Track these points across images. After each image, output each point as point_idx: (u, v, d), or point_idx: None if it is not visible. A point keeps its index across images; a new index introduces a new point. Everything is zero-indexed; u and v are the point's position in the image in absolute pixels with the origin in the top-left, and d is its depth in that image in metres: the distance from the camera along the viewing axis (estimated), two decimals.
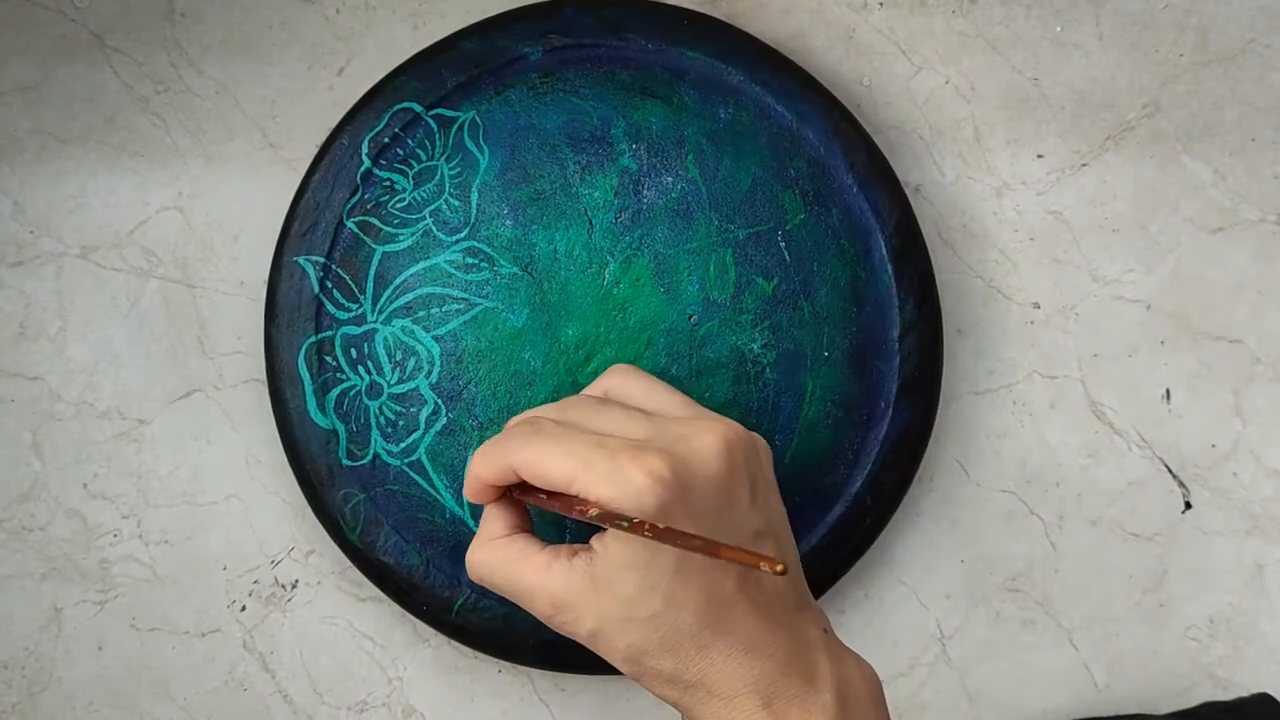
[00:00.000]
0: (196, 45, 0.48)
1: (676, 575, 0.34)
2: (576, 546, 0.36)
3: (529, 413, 0.38)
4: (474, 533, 0.45)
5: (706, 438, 0.35)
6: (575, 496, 0.34)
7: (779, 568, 0.28)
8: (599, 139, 0.46)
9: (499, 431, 0.45)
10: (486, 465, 0.37)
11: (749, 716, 0.34)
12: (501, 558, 0.37)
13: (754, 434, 0.38)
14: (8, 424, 0.47)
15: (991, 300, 0.50)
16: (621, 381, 0.40)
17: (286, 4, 0.49)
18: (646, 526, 0.32)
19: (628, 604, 0.34)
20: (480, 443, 0.45)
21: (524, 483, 0.37)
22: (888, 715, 0.37)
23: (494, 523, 0.38)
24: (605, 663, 0.46)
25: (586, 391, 0.41)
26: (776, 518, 0.38)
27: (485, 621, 0.45)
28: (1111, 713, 0.50)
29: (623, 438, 0.35)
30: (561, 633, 0.37)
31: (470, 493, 0.38)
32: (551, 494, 0.36)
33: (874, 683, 0.37)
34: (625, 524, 0.32)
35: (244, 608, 0.48)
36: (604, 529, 0.35)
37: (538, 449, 0.35)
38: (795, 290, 0.47)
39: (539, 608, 0.36)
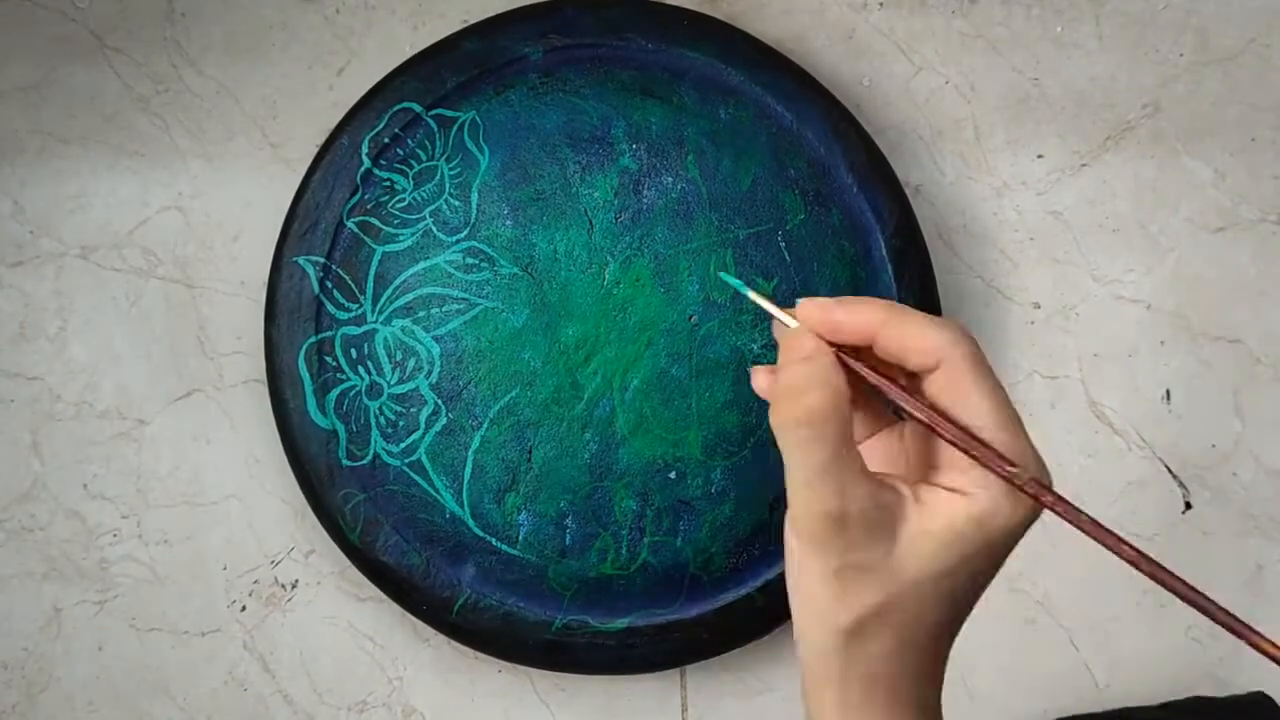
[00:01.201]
0: (196, 45, 0.48)
1: (977, 584, 0.33)
2: (872, 471, 0.31)
3: (961, 330, 0.32)
4: (474, 533, 0.45)
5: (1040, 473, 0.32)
6: (974, 435, 0.30)
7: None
8: (599, 139, 0.46)
9: (499, 431, 0.45)
10: (909, 333, 0.31)
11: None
12: (843, 431, 0.30)
13: None
14: (8, 424, 0.47)
15: (991, 300, 0.50)
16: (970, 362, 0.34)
17: (286, 4, 0.49)
18: (1051, 495, 0.30)
19: (924, 567, 0.31)
20: (481, 443, 0.45)
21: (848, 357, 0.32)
22: None
23: (845, 383, 0.31)
24: (605, 663, 0.46)
25: None
26: None
27: (485, 621, 0.45)
28: None
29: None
30: (808, 539, 0.30)
31: (831, 318, 0.31)
32: (896, 385, 0.31)
33: None
34: (1086, 517, 0.30)
35: (244, 608, 0.47)
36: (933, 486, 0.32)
37: (984, 382, 0.31)
38: (795, 290, 0.47)
39: (826, 502, 0.30)
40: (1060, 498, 0.30)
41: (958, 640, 0.50)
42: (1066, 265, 0.50)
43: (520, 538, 0.45)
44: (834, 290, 0.47)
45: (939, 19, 0.50)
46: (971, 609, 0.33)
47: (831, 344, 0.31)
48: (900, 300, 0.47)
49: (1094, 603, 0.50)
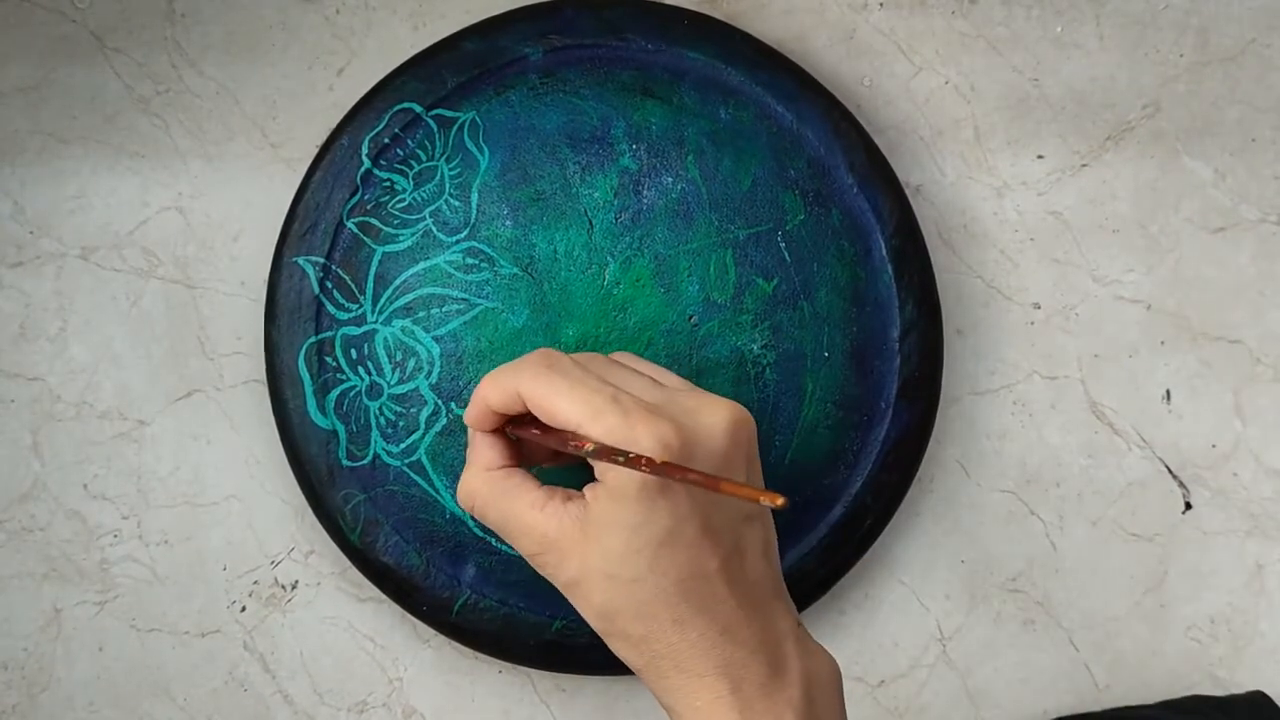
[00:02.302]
0: (196, 45, 0.48)
1: (664, 544, 0.34)
2: (571, 491, 0.36)
3: (545, 349, 0.37)
4: (474, 533, 0.45)
5: (716, 414, 0.35)
6: (572, 434, 0.34)
7: (779, 501, 0.28)
8: (599, 139, 0.46)
9: None
10: (496, 390, 0.36)
11: (714, 698, 0.35)
12: (497, 490, 0.37)
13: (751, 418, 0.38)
14: (8, 424, 0.47)
15: (991, 300, 0.50)
16: (627, 359, 0.40)
17: (286, 4, 0.49)
18: (644, 461, 0.32)
19: (613, 560, 0.34)
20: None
21: (520, 416, 0.37)
22: (844, 709, 0.37)
23: (489, 452, 0.37)
24: (605, 663, 0.46)
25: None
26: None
27: (485, 621, 0.45)
28: None
29: (635, 398, 0.35)
30: (542, 574, 0.36)
31: (471, 417, 0.37)
32: (546, 429, 0.36)
33: (837, 678, 0.37)
34: (622, 458, 0.32)
35: (244, 608, 0.48)
36: (593, 481, 0.35)
37: (552, 384, 0.35)
38: (795, 290, 0.47)
39: (525, 545, 0.36)
40: (612, 452, 0.33)
41: (958, 640, 0.50)
42: (1066, 265, 0.50)
43: None
44: (833, 290, 0.47)
45: (939, 19, 0.50)
46: (729, 554, 0.35)
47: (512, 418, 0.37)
48: (900, 300, 0.47)
49: (1094, 603, 0.50)
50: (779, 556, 0.38)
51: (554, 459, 0.40)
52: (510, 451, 0.38)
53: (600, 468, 0.34)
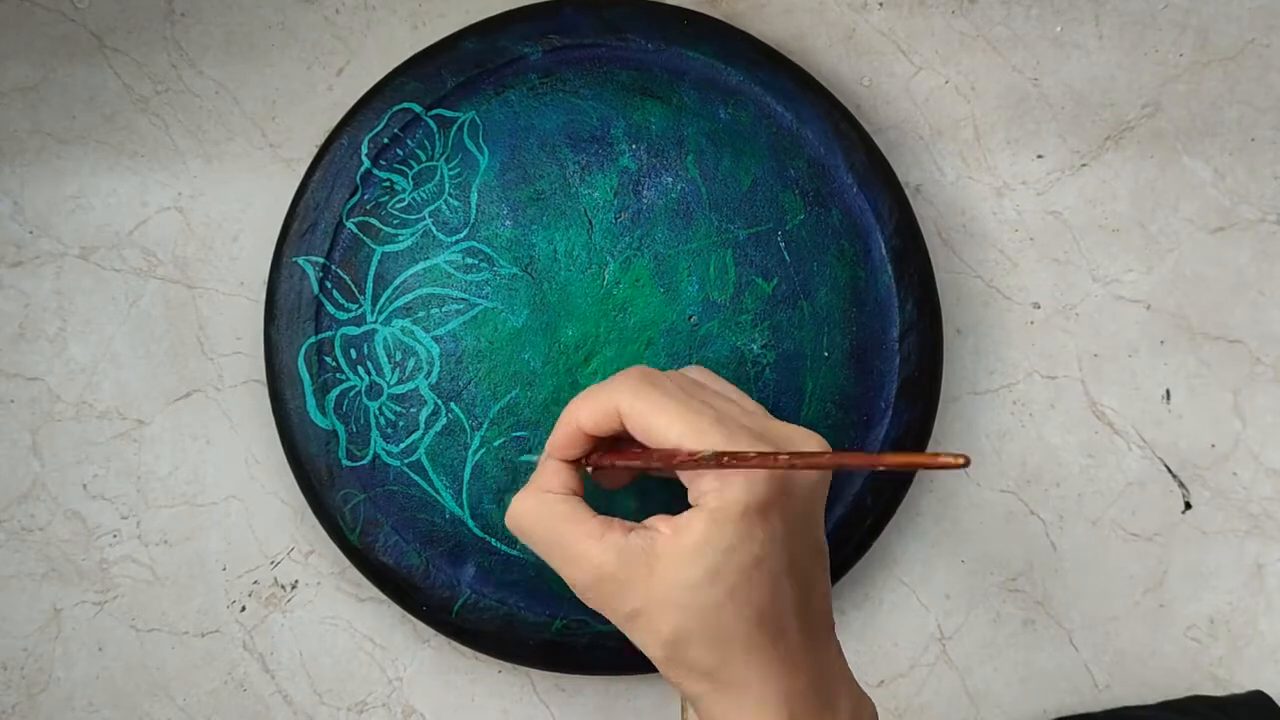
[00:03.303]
0: (196, 45, 0.48)
1: (751, 571, 0.33)
2: (631, 524, 0.35)
3: (641, 367, 0.37)
4: (474, 533, 0.45)
5: (809, 442, 0.35)
6: (677, 449, 0.34)
7: (963, 460, 0.27)
8: (599, 139, 0.46)
9: (498, 431, 0.45)
10: (592, 409, 0.35)
11: None
12: (554, 513, 0.36)
13: None
14: (8, 424, 0.47)
15: (991, 300, 0.50)
16: (704, 378, 0.39)
17: (286, 4, 0.49)
18: (780, 456, 0.31)
19: (688, 588, 0.33)
20: (481, 443, 0.45)
21: (604, 444, 0.37)
22: None
23: (552, 477, 0.37)
24: (605, 663, 0.46)
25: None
26: (825, 542, 0.38)
27: (485, 621, 0.45)
28: None
29: (736, 420, 0.35)
30: (593, 606, 0.36)
31: (559, 440, 0.36)
32: (642, 450, 0.35)
33: (874, 714, 0.37)
34: (753, 454, 0.31)
35: (244, 608, 0.47)
36: (664, 513, 0.35)
37: (654, 401, 0.34)
38: (795, 290, 0.47)
39: (577, 574, 0.35)
40: (736, 454, 0.32)
41: (958, 640, 0.50)
42: (1066, 265, 0.50)
43: None
44: (833, 290, 0.47)
45: (939, 19, 0.50)
46: (800, 587, 0.35)
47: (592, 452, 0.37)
48: (900, 300, 0.47)
49: (1094, 603, 0.50)
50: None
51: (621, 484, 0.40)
52: (575, 483, 0.37)
53: (699, 493, 0.34)
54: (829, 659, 0.36)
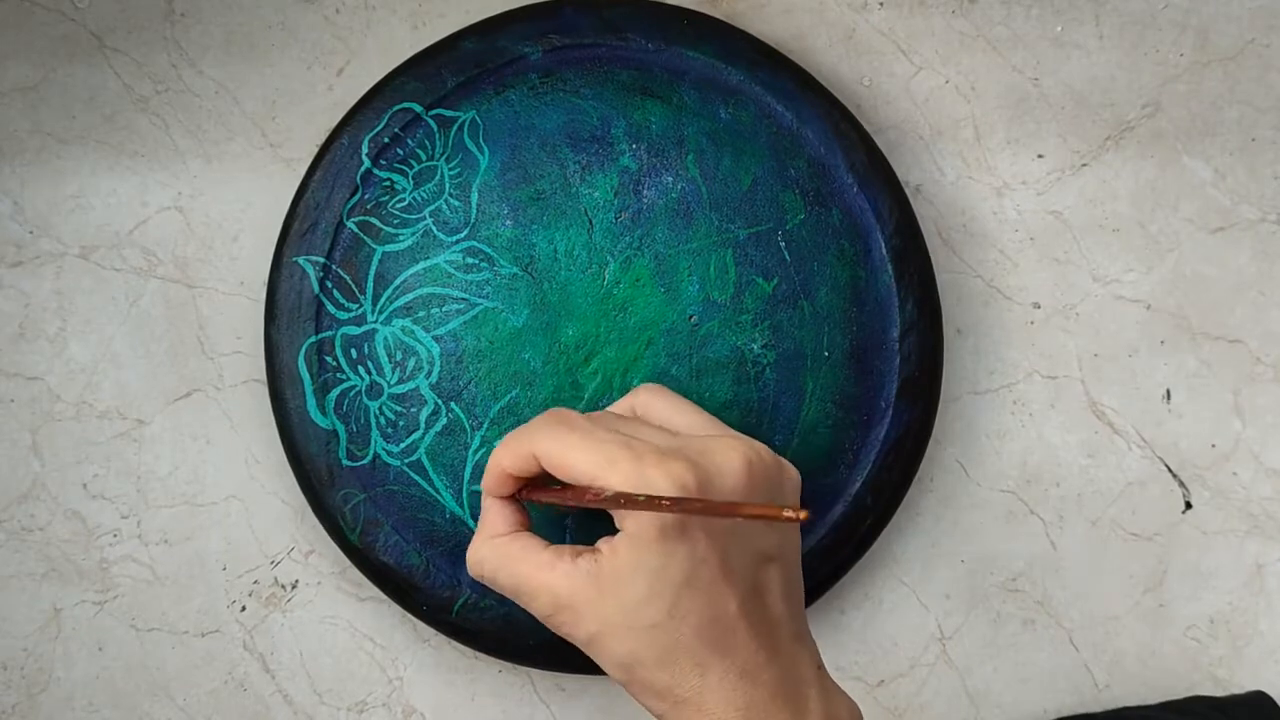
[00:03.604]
0: (196, 45, 0.48)
1: (683, 588, 0.34)
2: (580, 548, 0.36)
3: (556, 409, 0.38)
4: (474, 532, 0.45)
5: (729, 455, 0.36)
6: (589, 486, 0.35)
7: (803, 515, 0.28)
8: (599, 139, 0.46)
9: (498, 431, 0.45)
10: (510, 454, 0.37)
11: None
12: (504, 554, 0.37)
13: (784, 461, 0.38)
14: (8, 424, 0.47)
15: (991, 300, 0.50)
16: (648, 400, 0.40)
17: (286, 4, 0.49)
18: (662, 501, 0.32)
19: (631, 610, 0.34)
20: (481, 443, 0.45)
21: (534, 481, 0.38)
22: None
23: (496, 519, 0.38)
24: None
25: (612, 409, 0.41)
26: (791, 546, 0.38)
27: (485, 621, 0.45)
28: None
29: (647, 443, 0.35)
30: (559, 634, 0.37)
31: (489, 483, 0.38)
32: (564, 487, 0.36)
33: (854, 715, 0.37)
34: (642, 498, 0.32)
35: (244, 608, 0.47)
36: (609, 534, 0.36)
37: (564, 440, 0.35)
38: (795, 290, 0.47)
39: (539, 607, 0.36)
40: (628, 496, 0.33)
41: (958, 640, 0.50)
42: (1066, 265, 0.50)
43: None
44: (833, 290, 0.47)
45: (939, 19, 0.50)
46: (748, 596, 0.35)
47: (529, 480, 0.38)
48: (900, 300, 0.47)
49: (1094, 603, 0.50)
50: (804, 598, 0.39)
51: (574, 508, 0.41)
52: (519, 517, 0.38)
53: (619, 516, 0.35)
54: (794, 664, 0.36)
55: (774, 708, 0.35)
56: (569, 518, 0.45)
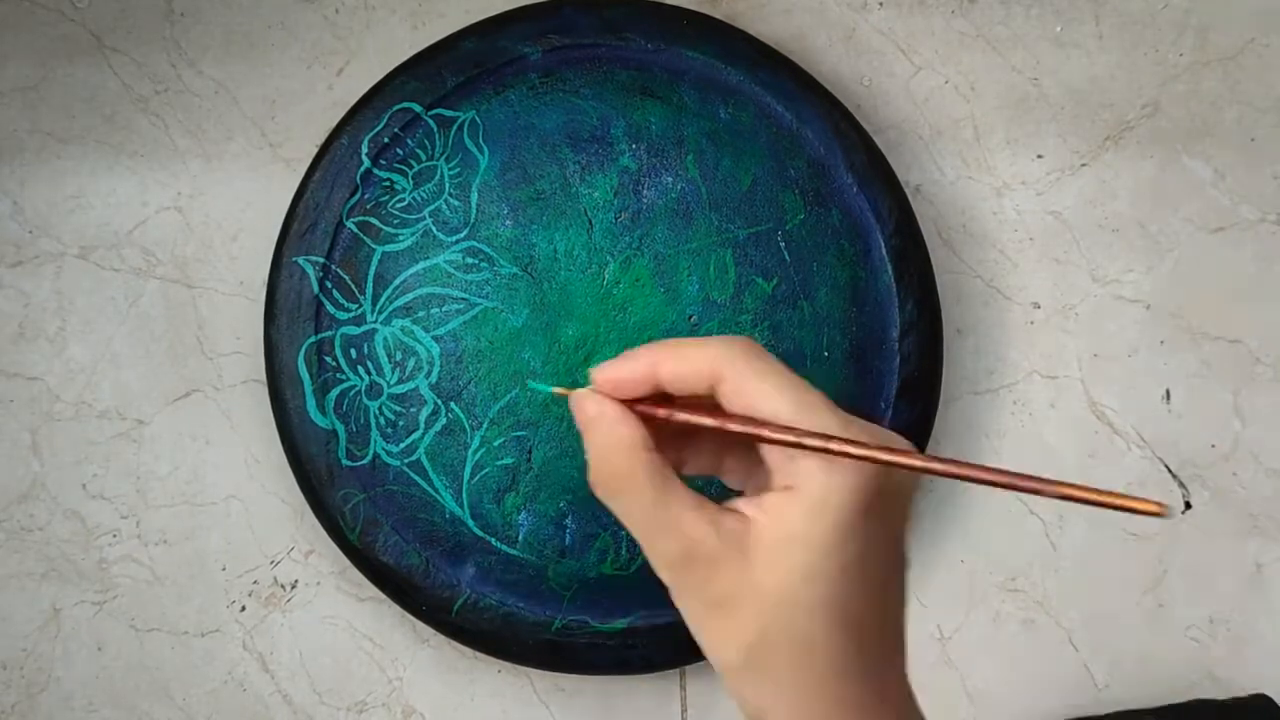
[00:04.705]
0: (196, 45, 0.48)
1: (851, 572, 0.29)
2: (723, 504, 0.31)
3: (742, 337, 0.32)
4: (474, 533, 0.45)
5: (903, 444, 0.31)
6: (768, 421, 0.30)
7: (1165, 508, 0.24)
8: (599, 139, 0.46)
9: (499, 431, 0.45)
10: (681, 360, 0.31)
11: None
12: (652, 479, 0.30)
13: None
14: (8, 424, 0.47)
15: (991, 300, 0.50)
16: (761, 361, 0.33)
17: (286, 4, 0.49)
18: (938, 462, 0.27)
19: (783, 583, 0.29)
20: (481, 443, 0.45)
21: (657, 401, 0.32)
22: None
23: (637, 430, 0.31)
24: (605, 663, 0.46)
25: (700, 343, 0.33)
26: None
27: (485, 621, 0.45)
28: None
29: (842, 410, 0.31)
30: (670, 584, 0.31)
31: (621, 376, 0.31)
32: (701, 411, 0.31)
33: None
34: (879, 448, 0.28)
35: (243, 608, 0.47)
36: (744, 498, 0.31)
37: (763, 370, 0.30)
38: (795, 290, 0.47)
39: (669, 545, 0.30)
40: (865, 447, 0.29)
41: (956, 639, 0.50)
42: (1066, 265, 0.50)
43: (520, 538, 0.45)
44: (832, 290, 0.47)
45: (939, 18, 0.50)
46: (887, 599, 0.31)
47: (635, 401, 0.31)
48: (900, 300, 0.47)
49: (1094, 603, 0.50)
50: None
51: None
52: (652, 439, 0.31)
53: (789, 475, 0.30)
54: (903, 674, 0.32)
55: (883, 712, 0.31)
56: (569, 517, 0.45)
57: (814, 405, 0.30)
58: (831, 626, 0.29)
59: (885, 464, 0.28)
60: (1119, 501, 0.25)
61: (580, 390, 0.32)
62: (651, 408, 0.31)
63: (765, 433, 0.30)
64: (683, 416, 0.31)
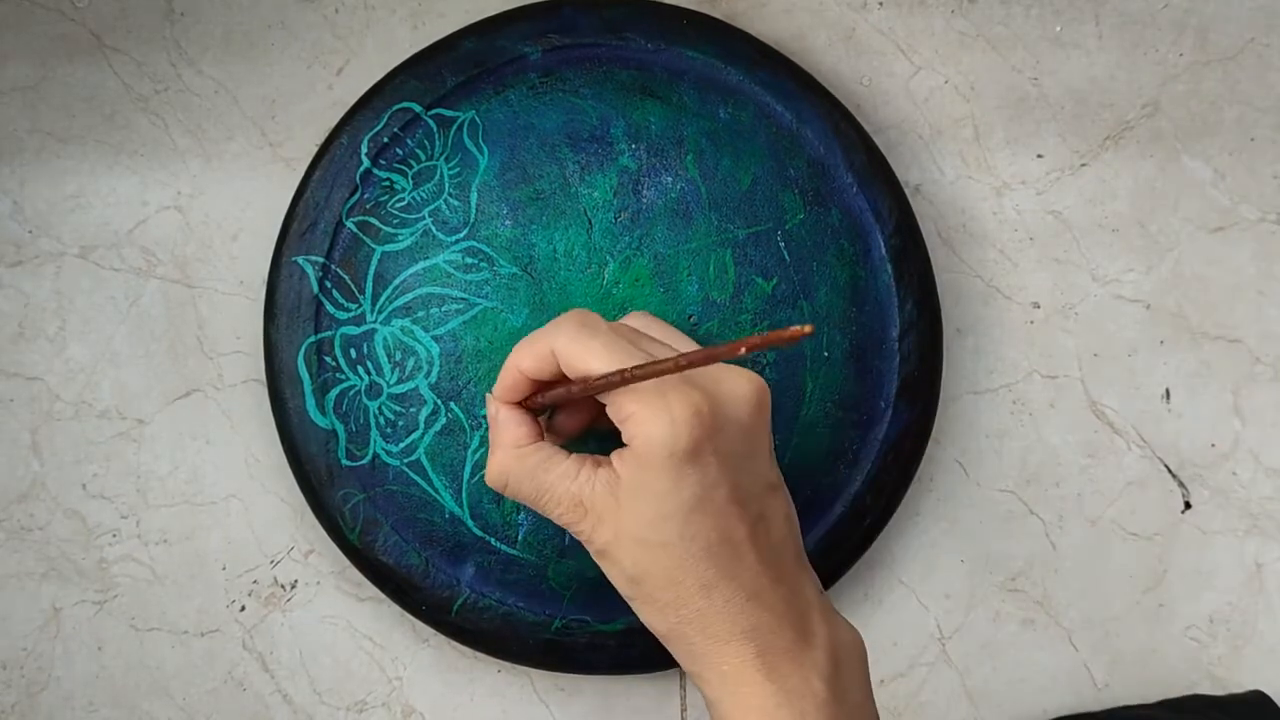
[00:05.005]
0: (196, 45, 0.48)
1: (694, 510, 0.34)
2: (600, 458, 0.37)
3: (580, 310, 0.38)
4: (473, 533, 0.45)
5: (742, 384, 0.36)
6: (591, 374, 0.35)
7: (808, 328, 0.28)
8: (598, 139, 0.46)
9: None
10: (530, 354, 0.37)
11: (741, 662, 0.35)
12: (530, 464, 0.37)
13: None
14: (7, 424, 0.47)
15: (991, 300, 0.50)
16: (646, 324, 0.40)
17: (286, 4, 0.49)
18: (677, 363, 0.32)
19: (644, 525, 0.35)
20: (481, 442, 0.45)
21: (546, 386, 0.38)
22: (869, 680, 0.38)
23: (516, 429, 0.38)
24: (605, 663, 0.46)
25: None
26: (779, 475, 0.39)
27: (484, 621, 0.45)
28: None
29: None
30: (579, 539, 0.37)
31: (503, 386, 0.38)
32: (555, 388, 0.37)
33: (862, 647, 0.38)
34: (638, 369, 0.32)
35: (243, 608, 0.47)
36: (620, 449, 0.36)
37: (587, 343, 0.35)
38: (795, 290, 0.47)
39: (561, 513, 0.36)
40: (635, 369, 0.33)
41: (958, 640, 0.50)
42: (1066, 265, 0.50)
43: (520, 537, 0.45)
44: (832, 290, 0.47)
45: (938, 18, 0.50)
46: (755, 520, 0.36)
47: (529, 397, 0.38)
48: (899, 299, 0.47)
49: (1093, 602, 0.50)
50: (799, 527, 0.39)
51: (580, 431, 0.41)
52: (535, 428, 0.38)
53: (629, 432, 0.35)
54: (800, 592, 0.37)
55: (779, 629, 0.35)
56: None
57: (625, 354, 0.35)
58: (687, 556, 0.35)
59: (642, 378, 0.33)
60: (759, 340, 0.28)
61: (487, 395, 0.39)
62: (532, 398, 0.38)
63: (575, 392, 0.36)
64: (550, 395, 0.37)
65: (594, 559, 0.37)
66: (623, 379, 0.33)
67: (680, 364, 0.32)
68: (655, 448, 0.34)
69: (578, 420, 0.41)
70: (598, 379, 0.34)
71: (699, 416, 0.34)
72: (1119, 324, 0.50)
